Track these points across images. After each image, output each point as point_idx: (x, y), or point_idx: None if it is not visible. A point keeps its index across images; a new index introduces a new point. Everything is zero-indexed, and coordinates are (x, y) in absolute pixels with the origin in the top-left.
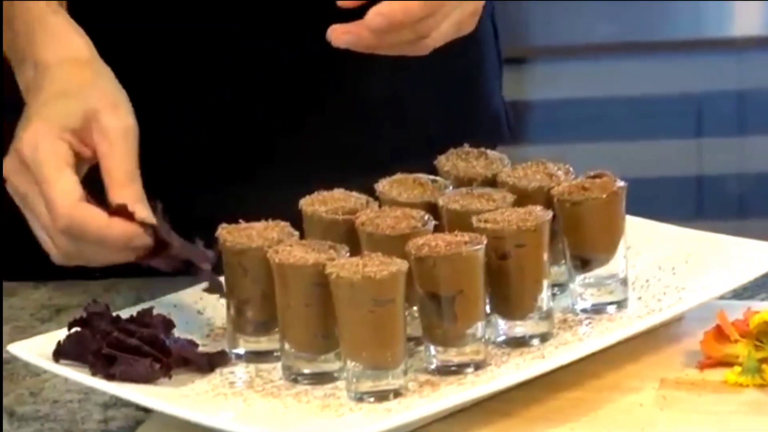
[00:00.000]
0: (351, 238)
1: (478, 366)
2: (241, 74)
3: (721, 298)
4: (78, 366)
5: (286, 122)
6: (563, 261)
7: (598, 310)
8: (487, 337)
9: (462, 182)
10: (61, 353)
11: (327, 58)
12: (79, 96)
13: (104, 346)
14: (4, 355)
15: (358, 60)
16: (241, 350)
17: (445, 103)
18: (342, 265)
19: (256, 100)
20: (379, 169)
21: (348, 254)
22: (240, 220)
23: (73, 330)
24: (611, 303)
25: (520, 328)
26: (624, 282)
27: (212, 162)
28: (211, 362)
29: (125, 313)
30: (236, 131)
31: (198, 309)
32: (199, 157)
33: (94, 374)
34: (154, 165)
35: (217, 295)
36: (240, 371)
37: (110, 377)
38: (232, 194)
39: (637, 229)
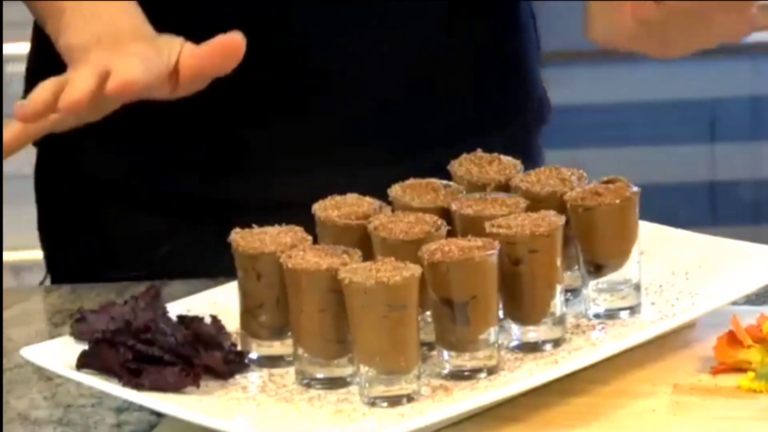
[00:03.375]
0: (364, 243)
1: (491, 371)
2: (271, 61)
3: (734, 303)
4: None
5: (334, 105)
6: (576, 266)
7: (611, 315)
8: (500, 342)
9: (475, 187)
10: (84, 365)
11: (382, 38)
12: None
13: (130, 357)
14: (18, 360)
15: (406, 45)
16: (254, 355)
17: (493, 86)
18: (355, 270)
19: (290, 87)
20: (427, 154)
21: (361, 259)
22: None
23: (94, 342)
24: (624, 308)
25: (533, 334)
26: (637, 287)
27: (254, 153)
28: (232, 370)
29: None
30: (269, 118)
31: (212, 313)
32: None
33: (124, 385)
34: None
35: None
36: (253, 376)
37: (140, 387)
38: (268, 181)
39: (650, 234)
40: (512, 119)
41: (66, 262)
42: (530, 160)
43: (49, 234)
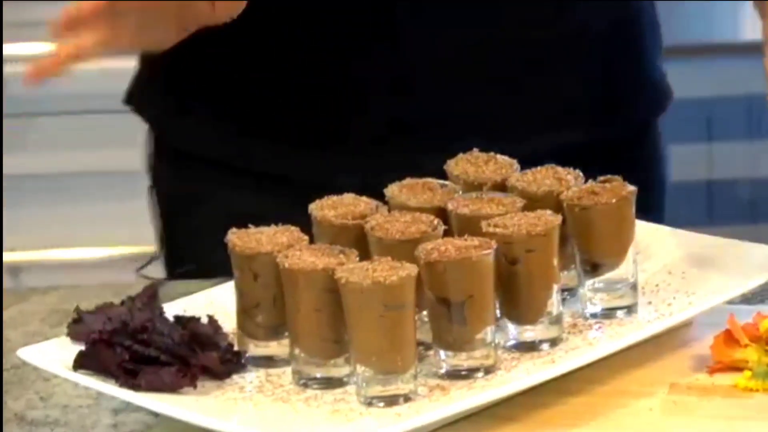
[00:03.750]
0: (361, 242)
1: (488, 371)
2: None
3: (731, 302)
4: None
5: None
6: (573, 265)
7: (607, 314)
8: (497, 341)
9: (471, 187)
10: (81, 365)
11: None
12: None
13: (127, 357)
14: (15, 360)
15: (518, 28)
16: (251, 355)
17: (609, 70)
18: (352, 270)
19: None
20: (541, 132)
21: (358, 259)
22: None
23: (91, 342)
24: (621, 307)
25: (530, 333)
26: (634, 286)
27: (367, 123)
28: (229, 370)
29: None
30: (386, 91)
31: (208, 313)
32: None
33: (121, 386)
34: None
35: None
36: (250, 376)
37: (137, 387)
38: (380, 156)
39: (646, 233)
40: (625, 105)
41: (184, 248)
42: (647, 146)
43: (168, 217)
